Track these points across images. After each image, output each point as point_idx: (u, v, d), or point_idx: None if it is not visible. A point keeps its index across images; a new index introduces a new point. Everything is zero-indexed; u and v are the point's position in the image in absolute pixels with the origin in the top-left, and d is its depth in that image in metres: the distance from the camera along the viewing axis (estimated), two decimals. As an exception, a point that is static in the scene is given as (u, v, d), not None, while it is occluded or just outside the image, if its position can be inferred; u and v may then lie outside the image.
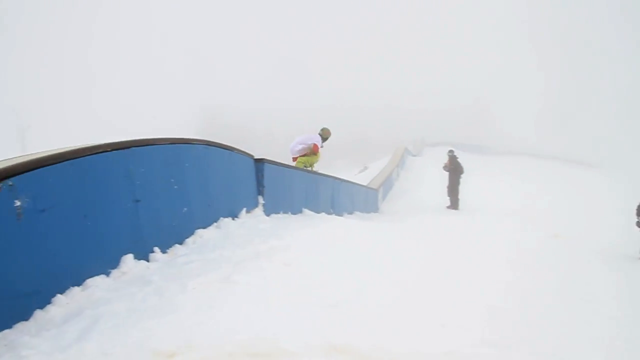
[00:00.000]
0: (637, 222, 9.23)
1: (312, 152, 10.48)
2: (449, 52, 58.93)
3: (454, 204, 14.73)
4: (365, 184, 15.19)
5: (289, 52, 62.75)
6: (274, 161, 7.72)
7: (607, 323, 5.16)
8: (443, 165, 15.47)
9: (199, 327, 3.38)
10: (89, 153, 4.00)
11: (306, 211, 8.53)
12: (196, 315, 3.57)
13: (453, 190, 14.79)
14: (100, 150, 4.12)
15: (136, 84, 60.96)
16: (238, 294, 4.08)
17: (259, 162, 7.24)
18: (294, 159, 10.58)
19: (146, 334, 3.24)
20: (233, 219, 6.34)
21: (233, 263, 4.67)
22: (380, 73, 59.12)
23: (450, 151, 15.37)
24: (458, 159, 15.01)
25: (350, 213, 10.85)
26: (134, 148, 4.49)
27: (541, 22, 59.23)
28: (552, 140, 47.00)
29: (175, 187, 5.11)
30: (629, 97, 53.59)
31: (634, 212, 9.35)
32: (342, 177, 11.15)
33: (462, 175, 14.72)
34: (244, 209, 6.69)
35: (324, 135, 10.81)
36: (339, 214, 9.79)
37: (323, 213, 8.76)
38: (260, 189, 7.23)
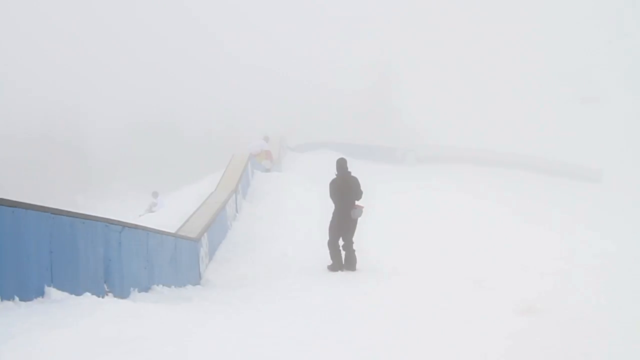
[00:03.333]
0: None
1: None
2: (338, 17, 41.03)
3: (337, 262, 9.82)
4: (172, 228, 9.98)
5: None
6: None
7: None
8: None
9: None
10: None
11: (52, 292, 5.23)
12: None
13: (339, 232, 9.79)
14: None
15: None
16: None
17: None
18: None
19: None
20: None
21: None
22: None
23: (341, 160, 10.16)
24: (351, 174, 10.09)
25: (146, 290, 7.09)
26: None
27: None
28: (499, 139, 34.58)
29: None
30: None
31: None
32: (125, 220, 7.43)
33: (361, 206, 9.93)
34: None
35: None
36: (121, 295, 6.19)
37: (87, 293, 5.50)
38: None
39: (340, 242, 9.95)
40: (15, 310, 4.54)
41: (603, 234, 15.42)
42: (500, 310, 7.09)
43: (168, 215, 13.99)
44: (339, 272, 9.73)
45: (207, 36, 41.40)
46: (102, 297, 5.59)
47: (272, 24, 41.28)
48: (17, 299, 4.72)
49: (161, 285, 7.59)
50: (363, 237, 10.11)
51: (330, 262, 9.89)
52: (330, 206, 9.98)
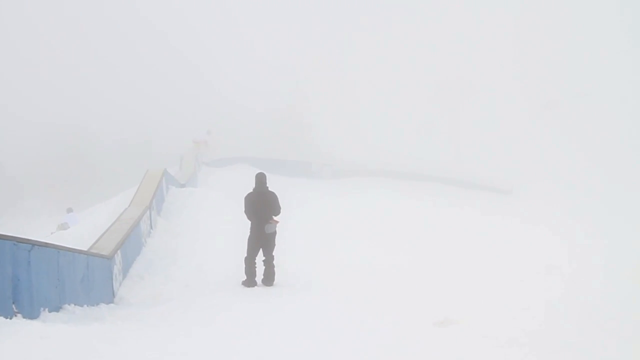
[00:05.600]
0: None
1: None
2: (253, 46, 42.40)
3: (251, 278, 9.66)
4: (85, 245, 9.77)
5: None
6: None
7: None
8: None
9: None
10: None
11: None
12: None
13: (257, 247, 9.71)
14: None
15: None
16: None
17: None
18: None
19: None
20: None
21: None
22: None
23: (260, 175, 9.98)
24: (269, 189, 9.91)
25: (57, 309, 6.73)
26: None
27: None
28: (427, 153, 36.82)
29: None
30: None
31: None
32: (35, 238, 7.10)
33: (276, 221, 9.76)
34: None
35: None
36: (31, 316, 5.82)
37: (-5, 315, 5.01)
38: None
39: (262, 257, 9.84)
40: None
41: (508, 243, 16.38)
42: (418, 322, 7.25)
43: (80, 232, 13.54)
44: (255, 287, 9.55)
45: (126, 46, 40.76)
46: (10, 319, 5.28)
47: (191, 41, 41.75)
48: None
49: (73, 305, 7.25)
50: (281, 251, 10.08)
51: (244, 277, 9.72)
52: (246, 221, 9.95)
